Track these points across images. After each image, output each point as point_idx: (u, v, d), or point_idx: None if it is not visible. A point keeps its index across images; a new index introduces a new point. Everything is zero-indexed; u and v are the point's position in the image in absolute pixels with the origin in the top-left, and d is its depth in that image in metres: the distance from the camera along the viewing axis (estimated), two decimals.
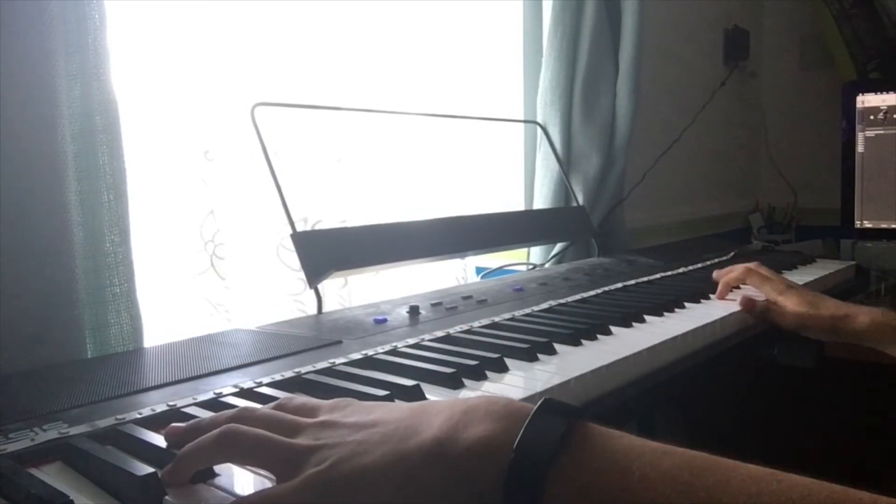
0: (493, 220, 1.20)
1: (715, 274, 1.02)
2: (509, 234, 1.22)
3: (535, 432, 0.36)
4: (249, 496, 0.39)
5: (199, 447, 0.41)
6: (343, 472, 0.37)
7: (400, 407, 0.42)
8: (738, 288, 1.00)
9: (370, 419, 0.41)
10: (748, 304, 0.90)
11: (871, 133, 1.77)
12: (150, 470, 0.41)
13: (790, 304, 0.91)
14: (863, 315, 0.87)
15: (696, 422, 1.17)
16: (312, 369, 0.62)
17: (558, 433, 0.36)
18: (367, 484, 0.37)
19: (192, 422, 0.45)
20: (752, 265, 0.99)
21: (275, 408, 0.45)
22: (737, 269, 0.99)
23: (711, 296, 0.97)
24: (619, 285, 1.04)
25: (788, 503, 0.32)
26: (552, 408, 0.38)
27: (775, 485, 0.33)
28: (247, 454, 0.41)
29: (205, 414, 0.51)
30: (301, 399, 0.47)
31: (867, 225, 1.79)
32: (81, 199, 0.72)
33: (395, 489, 0.37)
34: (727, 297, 0.97)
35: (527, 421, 0.37)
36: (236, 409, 0.46)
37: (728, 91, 2.08)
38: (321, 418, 0.42)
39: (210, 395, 0.55)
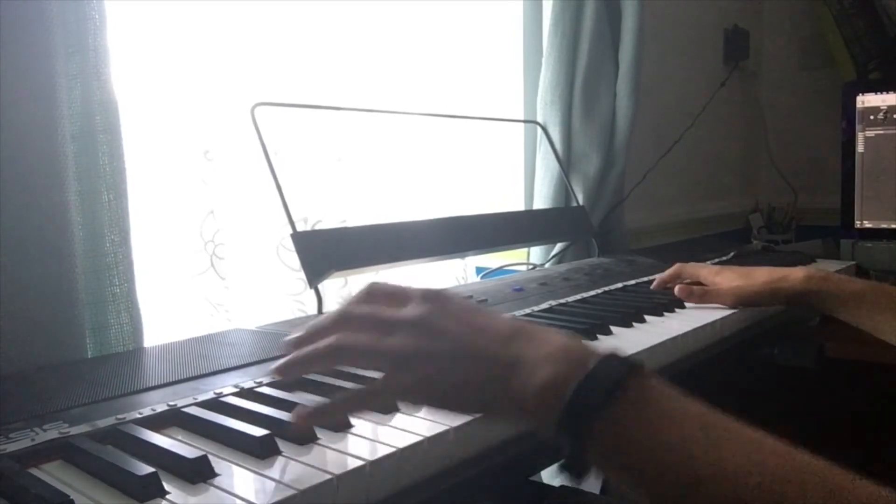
0: (493, 220, 1.20)
1: (652, 287, 1.02)
2: (509, 234, 1.22)
3: (592, 382, 0.41)
4: (365, 389, 0.48)
5: (312, 355, 0.47)
6: (440, 381, 0.45)
7: (488, 325, 0.47)
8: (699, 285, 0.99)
9: (463, 327, 0.46)
10: (684, 290, 0.91)
11: (871, 133, 1.77)
12: (150, 469, 0.41)
13: (726, 281, 0.92)
14: (796, 272, 0.89)
15: None
16: None
17: (608, 385, 0.41)
18: (464, 389, 0.45)
19: (307, 327, 0.49)
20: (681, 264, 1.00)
21: (366, 295, 0.50)
22: (670, 269, 1.01)
23: None
24: (619, 285, 1.04)
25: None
26: (608, 365, 0.42)
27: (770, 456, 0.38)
28: (352, 361, 0.49)
29: (206, 414, 0.51)
30: (388, 287, 0.51)
31: (867, 225, 1.79)
32: (81, 199, 0.72)
33: (485, 401, 0.45)
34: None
35: (586, 372, 0.42)
36: (337, 311, 0.49)
37: (728, 91, 2.08)
38: (417, 313, 0.47)
39: (210, 395, 0.55)
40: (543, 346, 0.45)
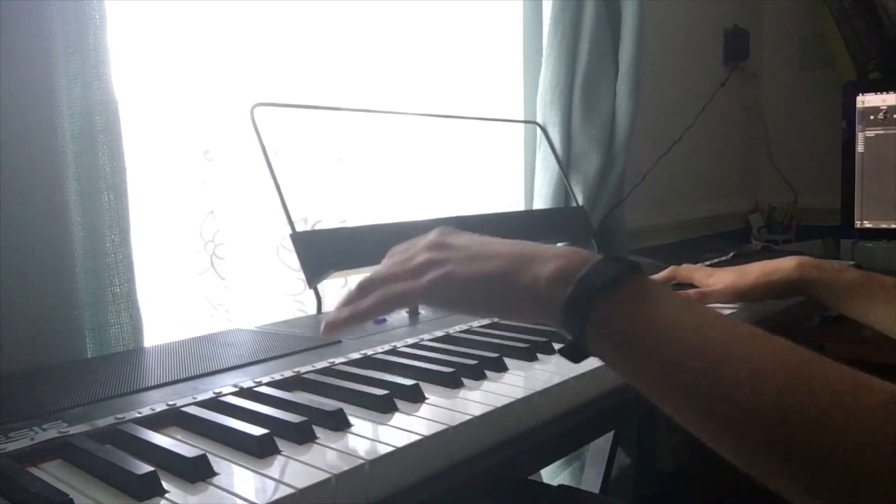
0: (493, 220, 1.20)
1: None
2: (509, 234, 1.22)
3: (594, 273, 0.46)
4: (389, 287, 0.52)
5: (347, 299, 0.54)
6: (462, 273, 0.50)
7: (491, 238, 0.54)
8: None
9: (475, 241, 0.53)
10: (681, 295, 0.90)
11: (871, 133, 1.77)
12: (150, 469, 0.41)
13: (720, 280, 0.92)
14: (788, 261, 0.89)
15: None
16: (312, 369, 0.62)
17: (610, 276, 0.45)
18: (478, 284, 0.49)
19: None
20: (677, 266, 1.01)
21: (390, 254, 0.57)
22: (664, 271, 1.01)
23: None
24: None
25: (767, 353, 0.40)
26: (610, 258, 0.47)
27: (761, 343, 0.41)
28: (385, 281, 0.53)
29: (205, 414, 0.52)
30: (407, 242, 0.57)
31: (867, 225, 1.79)
32: (81, 199, 0.72)
33: (497, 294, 0.49)
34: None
35: (590, 264, 0.46)
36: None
37: (728, 91, 2.08)
38: (431, 240, 0.54)
39: (210, 395, 0.55)
40: (551, 248, 0.50)
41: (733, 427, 0.39)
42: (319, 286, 0.92)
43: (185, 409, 0.53)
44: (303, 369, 0.62)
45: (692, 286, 0.96)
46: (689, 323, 0.43)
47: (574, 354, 0.48)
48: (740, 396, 0.39)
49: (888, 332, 0.79)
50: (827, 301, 0.86)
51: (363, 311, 0.52)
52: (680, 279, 0.99)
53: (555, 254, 0.49)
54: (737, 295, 0.91)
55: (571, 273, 0.46)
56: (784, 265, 0.89)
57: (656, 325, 0.43)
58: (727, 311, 0.88)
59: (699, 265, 1.01)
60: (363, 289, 0.53)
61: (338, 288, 1.08)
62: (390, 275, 0.53)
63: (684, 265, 1.01)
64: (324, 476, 0.42)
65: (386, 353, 0.68)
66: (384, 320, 0.82)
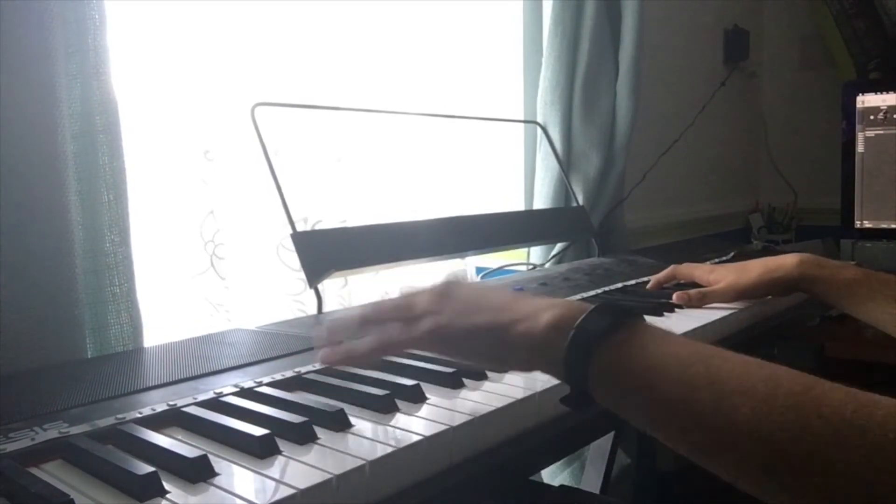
0: (493, 220, 1.19)
1: (647, 287, 1.03)
2: (509, 234, 1.22)
3: (593, 319, 0.47)
4: (385, 332, 0.53)
5: (348, 320, 0.55)
6: (458, 325, 0.51)
7: (497, 291, 0.55)
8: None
9: (476, 294, 0.54)
10: (682, 296, 0.90)
11: (871, 133, 1.77)
12: (150, 469, 0.41)
13: (721, 278, 0.92)
14: (790, 258, 0.89)
15: None
16: (312, 369, 0.62)
17: (608, 321, 0.46)
18: (473, 336, 0.50)
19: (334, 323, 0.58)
20: (675, 266, 1.01)
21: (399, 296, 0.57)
22: (664, 271, 1.01)
23: None
24: (619, 285, 1.04)
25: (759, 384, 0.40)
26: (607, 305, 0.48)
27: (760, 368, 0.41)
28: (384, 316, 0.55)
29: (206, 414, 0.51)
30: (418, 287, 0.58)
31: (867, 225, 1.79)
32: (81, 199, 0.72)
33: (493, 346, 0.50)
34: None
35: (588, 311, 0.48)
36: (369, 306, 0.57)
37: (728, 91, 2.08)
38: (436, 289, 0.54)
39: (210, 395, 0.55)
40: (545, 300, 0.51)
41: (748, 458, 0.39)
42: (320, 286, 0.92)
43: (185, 409, 0.53)
44: (303, 369, 0.62)
45: (693, 285, 0.95)
46: (694, 359, 0.43)
47: (577, 402, 0.48)
48: (752, 427, 0.39)
49: (888, 330, 0.79)
50: (828, 298, 0.86)
51: (358, 356, 0.54)
52: (680, 278, 0.99)
53: (550, 304, 0.50)
54: (738, 293, 0.90)
55: (569, 321, 0.47)
56: (786, 262, 0.88)
57: (661, 364, 0.44)
58: (726, 312, 0.88)
59: (700, 264, 1.01)
60: (364, 318, 0.55)
61: (338, 287, 1.08)
62: (391, 315, 0.54)
63: (684, 264, 1.00)
64: (324, 476, 0.42)
65: None
66: None
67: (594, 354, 0.45)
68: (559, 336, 0.47)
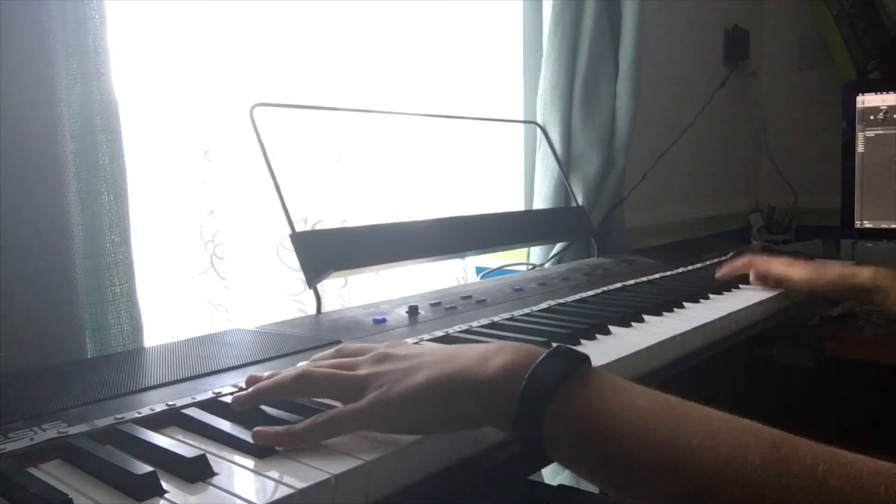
0: (493, 220, 1.20)
1: (717, 274, 1.07)
2: (509, 234, 1.22)
3: (546, 366, 0.44)
4: (325, 414, 0.47)
5: (277, 384, 0.50)
6: (397, 391, 0.46)
7: (439, 346, 0.53)
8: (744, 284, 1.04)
9: (416, 352, 0.50)
10: (761, 276, 0.98)
11: (871, 133, 1.77)
12: (149, 469, 0.41)
13: (798, 271, 0.98)
14: (866, 269, 0.94)
15: None
16: None
17: (562, 369, 0.44)
18: (416, 399, 0.46)
19: (270, 372, 0.53)
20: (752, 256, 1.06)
21: (335, 354, 0.54)
22: (741, 259, 1.07)
23: (711, 295, 0.97)
24: (619, 285, 1.04)
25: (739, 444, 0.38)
26: (561, 351, 0.46)
27: (725, 423, 0.40)
28: (318, 390, 0.50)
29: (205, 414, 0.52)
30: (355, 345, 0.56)
31: (867, 225, 1.79)
32: (81, 199, 0.72)
33: (439, 404, 0.46)
34: (724, 293, 1.00)
35: (540, 357, 0.45)
36: (306, 362, 0.54)
37: (728, 91, 2.08)
38: (375, 353, 0.51)
39: (210, 395, 0.55)
40: (492, 346, 0.48)
41: None
42: (319, 286, 0.92)
43: (184, 409, 0.53)
44: None
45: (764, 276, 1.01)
46: (656, 411, 0.41)
47: (531, 459, 0.47)
48: (718, 487, 0.37)
49: None
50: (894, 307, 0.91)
51: (296, 438, 0.46)
52: (756, 268, 1.04)
53: (499, 348, 0.47)
54: (813, 289, 0.97)
55: (521, 367, 0.44)
56: (863, 272, 0.94)
57: (622, 416, 0.41)
58: (726, 312, 0.88)
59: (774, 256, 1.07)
60: (298, 380, 0.50)
61: (338, 287, 1.08)
62: (327, 378, 0.50)
63: (760, 256, 1.06)
64: (323, 476, 0.42)
65: None
66: (384, 320, 0.82)
67: (549, 404, 0.43)
68: (512, 382, 0.44)
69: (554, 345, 0.47)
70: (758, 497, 0.36)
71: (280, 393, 0.51)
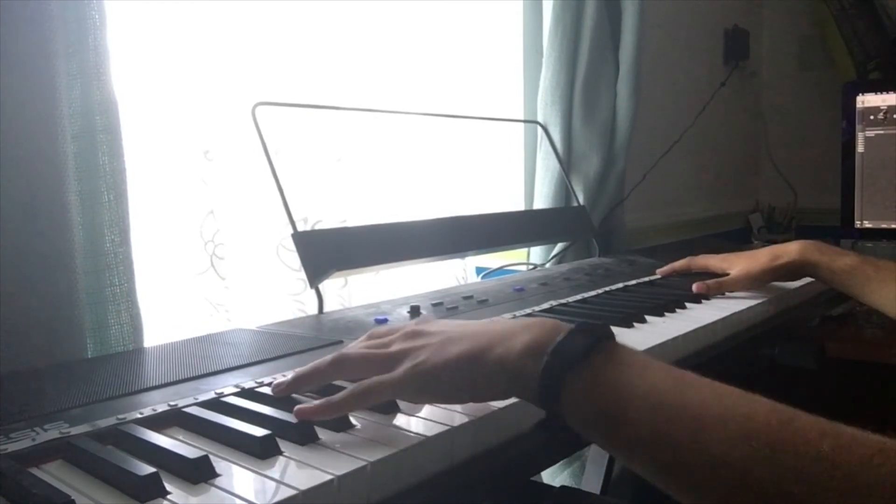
0: (493, 220, 1.19)
1: (658, 271, 1.12)
2: (509, 234, 1.22)
3: (568, 342, 0.46)
4: (362, 383, 0.49)
5: (316, 368, 0.53)
6: (431, 363, 0.49)
7: (467, 322, 0.54)
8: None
9: (446, 327, 0.52)
10: (701, 286, 0.96)
11: (871, 133, 1.77)
12: (152, 470, 0.41)
13: (735, 266, 0.99)
14: (793, 245, 0.96)
15: None
16: None
17: (584, 345, 0.45)
18: (448, 370, 0.48)
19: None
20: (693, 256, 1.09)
21: (367, 337, 0.56)
22: (680, 261, 1.10)
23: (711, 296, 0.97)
24: (620, 285, 1.04)
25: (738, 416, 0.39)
26: (584, 327, 0.47)
27: (737, 399, 0.41)
28: (355, 370, 0.52)
29: (207, 414, 0.51)
30: (385, 327, 0.58)
31: (867, 225, 1.79)
32: (81, 199, 0.72)
33: (468, 376, 0.48)
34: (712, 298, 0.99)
35: (563, 333, 0.46)
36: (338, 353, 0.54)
37: (728, 91, 2.08)
38: (406, 330, 0.53)
39: (211, 395, 0.55)
40: (521, 322, 0.51)
41: (725, 495, 0.38)
42: (320, 286, 0.91)
43: (186, 409, 0.53)
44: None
45: (709, 275, 1.01)
46: (670, 386, 0.43)
47: (551, 428, 0.47)
48: (728, 462, 0.38)
49: (888, 311, 0.85)
50: (829, 282, 0.94)
51: (335, 407, 0.49)
52: (696, 269, 1.07)
53: (525, 326, 0.49)
54: (751, 280, 0.97)
55: (543, 345, 0.46)
56: (790, 248, 0.96)
57: (636, 391, 0.43)
58: (726, 313, 0.88)
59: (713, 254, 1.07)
60: (335, 363, 0.52)
61: (338, 287, 1.08)
62: (363, 358, 0.52)
63: (700, 255, 1.08)
64: (326, 477, 0.42)
65: None
66: (386, 320, 0.82)
67: (568, 380, 0.44)
68: (534, 360, 0.46)
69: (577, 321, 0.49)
70: (767, 472, 0.37)
71: (319, 377, 0.53)
